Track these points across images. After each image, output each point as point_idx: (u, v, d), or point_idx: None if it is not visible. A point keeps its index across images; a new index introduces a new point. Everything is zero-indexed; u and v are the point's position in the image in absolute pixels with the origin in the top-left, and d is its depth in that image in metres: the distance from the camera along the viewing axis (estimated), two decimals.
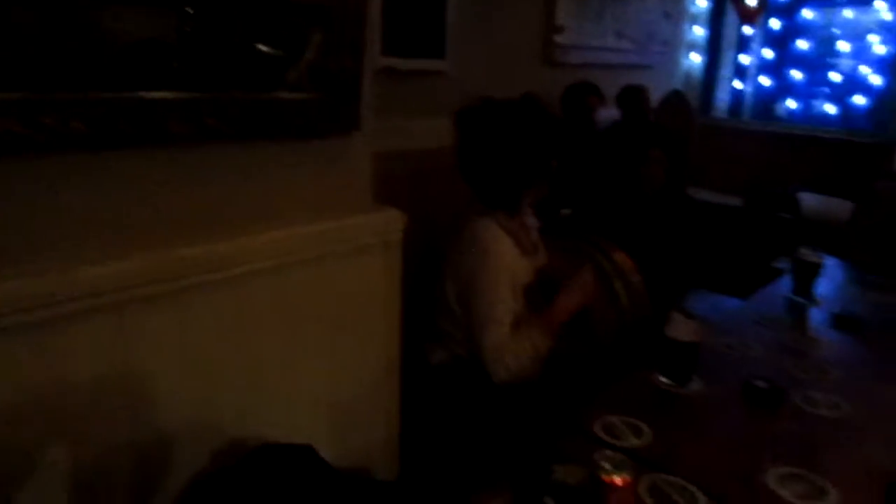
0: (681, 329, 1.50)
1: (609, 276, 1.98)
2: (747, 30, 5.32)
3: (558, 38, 3.94)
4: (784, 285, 2.33)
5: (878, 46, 4.76)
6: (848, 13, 4.88)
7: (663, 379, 1.55)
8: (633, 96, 4.16)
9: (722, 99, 5.56)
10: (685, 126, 4.71)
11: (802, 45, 5.08)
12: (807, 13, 5.03)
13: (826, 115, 5.07)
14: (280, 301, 1.52)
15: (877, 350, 1.86)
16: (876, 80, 4.80)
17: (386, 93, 3.10)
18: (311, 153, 1.56)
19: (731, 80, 5.49)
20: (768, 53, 5.26)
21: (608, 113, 4.14)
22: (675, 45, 5.38)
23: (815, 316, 2.10)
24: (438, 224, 3.17)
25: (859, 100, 4.90)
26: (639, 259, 2.08)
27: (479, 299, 1.71)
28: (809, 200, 4.29)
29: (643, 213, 2.49)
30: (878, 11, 4.74)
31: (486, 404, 1.75)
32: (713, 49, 5.50)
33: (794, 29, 5.12)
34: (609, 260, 2.01)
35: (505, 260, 1.74)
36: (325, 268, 1.59)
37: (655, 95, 4.72)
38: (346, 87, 1.51)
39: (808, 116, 5.15)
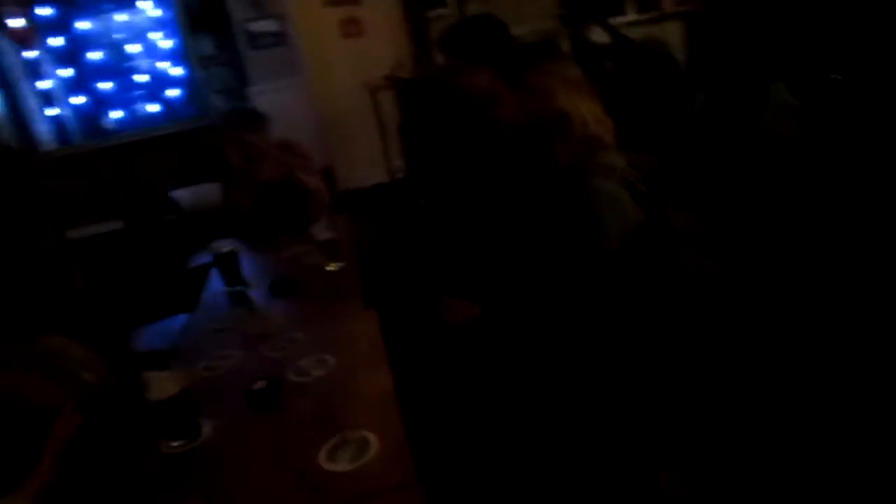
0: (161, 386, 1.33)
1: (74, 372, 1.62)
2: (30, 54, 4.88)
3: None
4: (216, 283, 2.35)
5: (163, 41, 5.06)
6: (121, 17, 4.98)
7: (173, 443, 1.37)
8: None
9: (43, 130, 5.05)
10: (19, 168, 4.14)
11: (96, 56, 4.99)
12: (83, 24, 4.91)
13: (153, 115, 5.20)
14: None
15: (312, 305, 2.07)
16: (178, 70, 5.14)
17: None
18: None
19: (42, 109, 5.02)
20: (67, 73, 4.98)
21: None
22: None
23: (256, 296, 2.20)
24: None
25: (174, 92, 5.18)
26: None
27: None
28: (184, 196, 4.42)
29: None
30: (145, 11, 4.98)
31: None
32: (1, 82, 4.87)
33: (80, 43, 4.96)
34: (62, 357, 1.63)
35: None
36: None
37: None
38: None
39: (140, 120, 5.19)
